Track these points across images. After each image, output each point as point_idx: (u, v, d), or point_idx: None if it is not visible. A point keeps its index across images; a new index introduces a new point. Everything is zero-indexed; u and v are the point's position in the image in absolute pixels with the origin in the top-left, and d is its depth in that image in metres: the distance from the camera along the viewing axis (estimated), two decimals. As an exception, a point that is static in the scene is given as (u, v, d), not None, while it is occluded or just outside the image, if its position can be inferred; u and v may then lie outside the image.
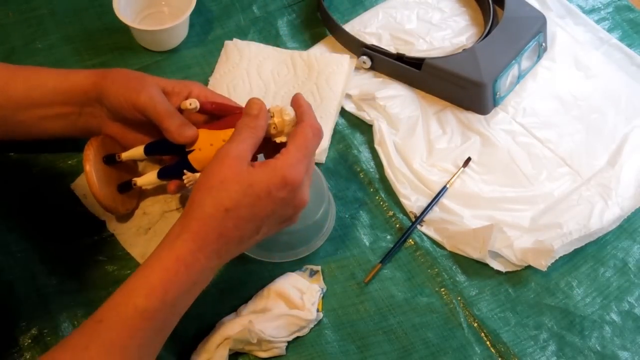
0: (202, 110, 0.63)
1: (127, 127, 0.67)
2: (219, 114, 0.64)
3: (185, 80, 0.67)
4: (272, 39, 0.87)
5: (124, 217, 0.70)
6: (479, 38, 0.83)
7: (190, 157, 0.62)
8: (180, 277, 0.53)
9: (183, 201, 0.71)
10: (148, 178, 0.66)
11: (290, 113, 0.60)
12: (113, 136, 0.68)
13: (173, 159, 0.66)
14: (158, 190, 0.71)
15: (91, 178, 0.64)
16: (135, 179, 0.67)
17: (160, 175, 0.65)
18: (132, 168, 0.71)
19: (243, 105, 0.61)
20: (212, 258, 0.54)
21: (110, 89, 0.63)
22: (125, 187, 0.67)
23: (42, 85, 0.65)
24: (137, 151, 0.66)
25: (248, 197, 0.54)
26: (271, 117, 0.60)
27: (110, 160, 0.67)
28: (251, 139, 0.57)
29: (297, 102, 0.61)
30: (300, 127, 0.58)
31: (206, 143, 0.62)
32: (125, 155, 0.66)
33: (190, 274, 0.53)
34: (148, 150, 0.65)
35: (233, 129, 0.60)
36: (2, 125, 0.67)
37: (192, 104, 0.62)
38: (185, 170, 0.61)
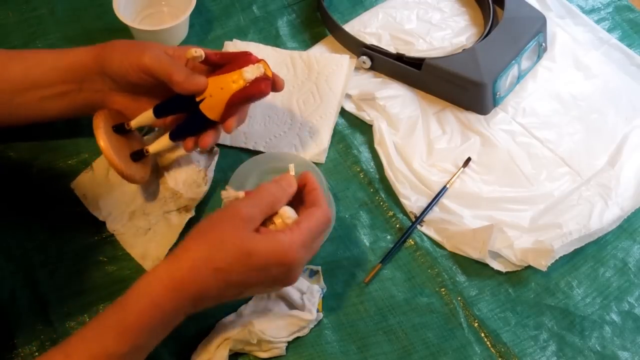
0: (206, 60, 0.63)
1: (130, 97, 0.67)
2: (224, 62, 0.64)
3: (185, 46, 0.67)
4: (272, 39, 0.87)
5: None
6: (479, 38, 0.83)
7: (201, 106, 0.62)
8: (155, 322, 0.52)
9: (184, 202, 0.70)
10: (160, 143, 0.66)
11: (291, 216, 0.57)
12: (117, 109, 0.67)
13: (180, 119, 0.66)
14: (158, 190, 0.71)
15: (105, 145, 0.63)
16: (147, 146, 0.66)
17: (172, 136, 0.65)
18: (140, 140, 0.70)
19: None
20: (188, 308, 0.53)
21: (113, 57, 0.63)
22: (138, 156, 0.66)
23: (40, 64, 0.65)
24: (146, 115, 0.65)
25: (242, 266, 0.52)
26: (272, 216, 0.57)
27: (119, 129, 0.66)
28: (267, 207, 0.56)
29: (311, 184, 0.59)
30: (316, 211, 0.57)
31: (216, 88, 0.62)
32: (134, 123, 0.66)
33: (164, 319, 0.52)
34: (157, 112, 0.64)
35: (242, 70, 0.61)
36: (1, 110, 0.66)
37: (197, 52, 0.62)
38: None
